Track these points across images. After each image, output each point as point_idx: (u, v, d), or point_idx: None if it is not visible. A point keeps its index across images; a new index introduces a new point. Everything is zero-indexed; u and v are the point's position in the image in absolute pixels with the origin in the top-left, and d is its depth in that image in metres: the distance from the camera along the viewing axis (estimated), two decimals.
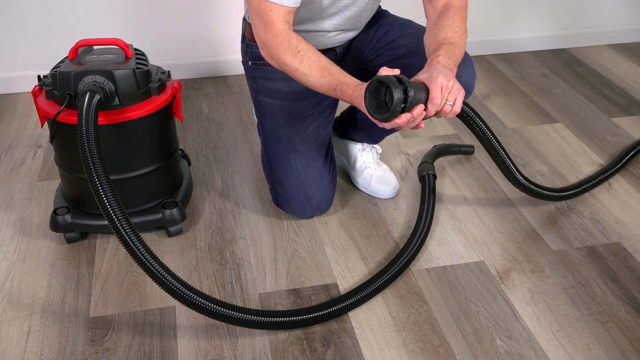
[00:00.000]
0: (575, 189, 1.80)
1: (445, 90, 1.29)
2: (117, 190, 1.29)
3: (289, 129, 1.66)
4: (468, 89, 1.55)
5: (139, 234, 1.26)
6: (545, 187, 1.74)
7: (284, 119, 1.67)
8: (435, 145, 2.03)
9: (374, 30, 1.72)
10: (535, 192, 1.70)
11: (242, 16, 1.73)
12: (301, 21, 1.57)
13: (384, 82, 1.25)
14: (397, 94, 1.22)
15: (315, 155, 1.68)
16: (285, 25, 1.42)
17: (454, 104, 1.32)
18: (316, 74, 1.39)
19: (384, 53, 1.70)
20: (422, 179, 1.81)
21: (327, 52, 1.71)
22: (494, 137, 1.55)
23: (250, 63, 1.69)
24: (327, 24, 1.58)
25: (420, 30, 1.67)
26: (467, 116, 1.48)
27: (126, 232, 1.24)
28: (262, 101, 1.69)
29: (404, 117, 1.26)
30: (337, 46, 1.70)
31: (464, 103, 1.44)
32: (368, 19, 1.68)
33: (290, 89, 1.64)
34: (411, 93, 1.24)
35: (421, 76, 1.32)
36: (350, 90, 1.35)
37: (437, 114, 1.33)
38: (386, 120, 1.27)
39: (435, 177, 1.80)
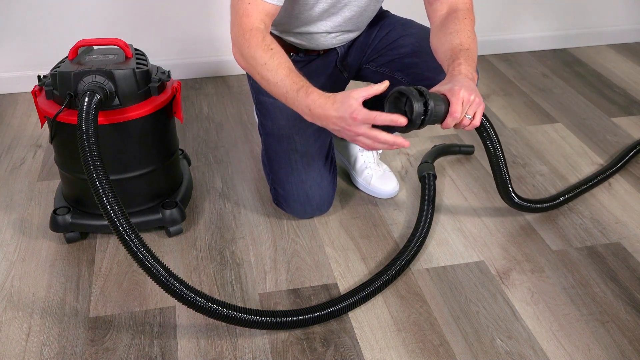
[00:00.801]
0: (569, 192, 1.79)
1: (466, 104, 1.29)
2: (117, 190, 1.29)
3: (290, 129, 1.66)
4: None
5: (139, 234, 1.26)
6: (538, 200, 1.73)
7: (285, 119, 1.67)
8: (435, 145, 2.03)
9: (375, 31, 1.72)
10: (531, 208, 1.71)
11: None
12: (302, 24, 1.57)
13: (404, 93, 1.26)
14: (418, 106, 1.24)
15: (315, 155, 1.67)
16: (261, 25, 1.39)
17: (473, 117, 1.32)
18: (283, 73, 1.35)
19: (386, 53, 1.70)
20: (422, 179, 1.81)
21: (329, 52, 1.71)
22: (502, 156, 1.54)
23: None
24: (328, 25, 1.58)
25: (423, 30, 1.67)
26: (484, 130, 1.48)
27: (126, 232, 1.24)
28: (264, 101, 1.69)
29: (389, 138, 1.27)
30: (338, 46, 1.70)
31: (484, 116, 1.45)
32: (370, 20, 1.67)
33: None
34: (431, 105, 1.25)
35: (443, 87, 1.32)
36: (316, 94, 1.31)
37: (456, 125, 1.33)
38: (404, 131, 1.29)
39: (435, 177, 1.80)
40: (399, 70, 1.69)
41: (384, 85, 1.27)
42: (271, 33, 1.58)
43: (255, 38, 1.36)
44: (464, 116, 1.31)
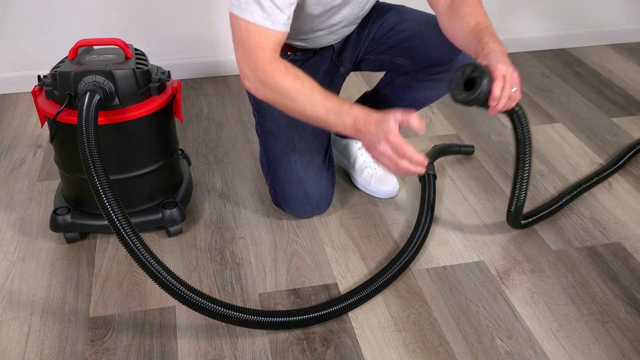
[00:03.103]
0: (569, 194, 1.80)
1: (508, 76, 1.29)
2: (117, 190, 1.29)
3: (290, 128, 1.66)
4: None
5: (139, 234, 1.26)
6: (538, 210, 1.73)
7: (285, 118, 1.66)
8: (435, 145, 2.03)
9: (369, 23, 1.71)
10: (533, 222, 1.72)
11: None
12: (304, 31, 1.57)
13: (468, 70, 1.31)
14: (486, 82, 1.28)
15: (315, 153, 1.67)
16: (276, 54, 1.38)
17: (517, 90, 1.32)
18: (320, 96, 1.35)
19: (385, 41, 1.69)
20: (422, 179, 1.81)
21: (325, 49, 1.70)
22: (529, 147, 1.52)
23: None
24: (327, 29, 1.58)
25: (417, 13, 1.68)
26: (516, 114, 1.47)
27: (126, 232, 1.24)
28: (261, 101, 1.69)
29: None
30: (334, 43, 1.70)
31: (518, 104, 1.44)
32: (366, 13, 1.67)
33: None
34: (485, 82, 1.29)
35: (483, 64, 1.32)
36: (358, 110, 1.33)
37: (506, 103, 1.33)
38: (465, 100, 1.32)
39: (435, 177, 1.80)
40: (399, 54, 1.69)
41: (419, 125, 1.29)
42: None
43: (278, 69, 1.36)
44: (511, 90, 1.31)
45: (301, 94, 1.35)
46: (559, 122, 2.26)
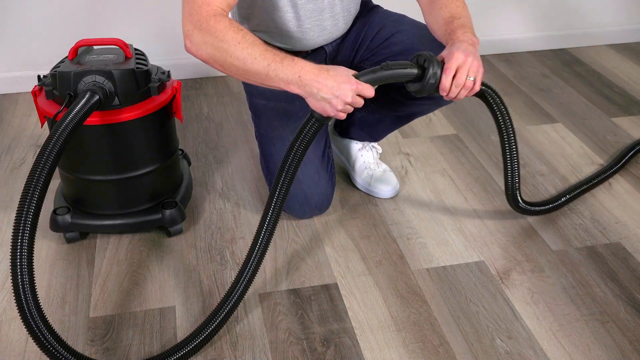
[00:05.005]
0: (571, 192, 1.79)
1: (463, 64, 1.29)
2: (117, 190, 1.28)
3: (284, 129, 1.66)
4: None
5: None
6: (541, 202, 1.73)
7: (279, 119, 1.66)
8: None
9: (366, 28, 1.70)
10: (534, 212, 1.71)
11: None
12: (270, 18, 1.56)
13: (421, 59, 1.31)
14: (431, 73, 1.28)
15: (311, 154, 1.67)
16: (224, 12, 1.35)
17: (475, 80, 1.31)
18: (260, 48, 1.30)
19: (379, 52, 1.68)
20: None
21: (317, 52, 1.69)
22: (512, 131, 1.54)
23: None
24: (296, 21, 1.56)
25: (415, 26, 1.66)
26: (489, 98, 1.46)
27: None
28: (257, 103, 1.69)
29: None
30: (326, 45, 1.69)
31: (487, 86, 1.44)
32: (348, 14, 1.65)
33: None
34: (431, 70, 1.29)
35: (442, 54, 1.33)
36: (303, 61, 1.29)
37: (456, 97, 1.32)
38: (414, 91, 1.33)
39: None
40: None
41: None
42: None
43: (222, 22, 1.31)
44: (467, 78, 1.30)
45: (241, 46, 1.29)
46: (559, 122, 2.26)
